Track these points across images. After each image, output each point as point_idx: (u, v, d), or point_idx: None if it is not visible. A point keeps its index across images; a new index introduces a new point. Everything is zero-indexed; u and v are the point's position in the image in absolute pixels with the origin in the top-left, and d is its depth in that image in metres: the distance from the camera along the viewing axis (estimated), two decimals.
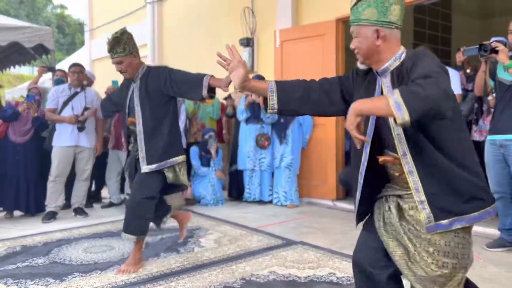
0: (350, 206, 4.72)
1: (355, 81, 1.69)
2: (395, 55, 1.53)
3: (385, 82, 1.54)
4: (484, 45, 2.95)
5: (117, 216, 4.47)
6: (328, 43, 4.93)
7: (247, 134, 4.98)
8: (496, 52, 2.92)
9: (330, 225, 3.98)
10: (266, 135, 4.93)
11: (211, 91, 2.73)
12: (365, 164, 1.55)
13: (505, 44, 2.95)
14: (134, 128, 2.94)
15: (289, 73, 5.23)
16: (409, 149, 1.44)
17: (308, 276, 2.65)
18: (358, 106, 1.32)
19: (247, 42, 5.83)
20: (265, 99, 1.79)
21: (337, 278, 2.61)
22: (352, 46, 1.59)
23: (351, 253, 3.07)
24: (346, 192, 5.07)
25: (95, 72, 10.04)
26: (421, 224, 1.45)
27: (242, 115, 4.98)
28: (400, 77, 1.49)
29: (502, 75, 3.08)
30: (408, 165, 1.44)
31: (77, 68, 4.54)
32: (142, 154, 2.87)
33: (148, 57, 7.90)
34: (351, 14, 1.55)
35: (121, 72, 2.92)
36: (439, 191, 1.42)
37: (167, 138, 2.88)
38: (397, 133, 1.46)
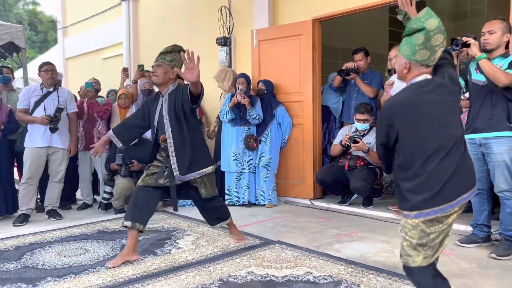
0: (327, 205, 4.77)
1: None
2: (407, 84, 2.01)
3: None
4: (455, 40, 3.07)
5: (92, 218, 4.39)
6: (304, 43, 4.96)
7: (233, 136, 4.87)
8: (468, 46, 3.03)
9: (308, 224, 4.01)
10: (253, 136, 4.86)
11: (195, 99, 2.95)
12: None
13: (474, 38, 3.06)
14: (165, 144, 3.09)
15: (266, 73, 5.24)
16: None
17: (286, 276, 2.66)
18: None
19: (224, 41, 5.80)
20: None
21: (314, 277, 2.63)
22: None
23: (328, 251, 3.13)
24: (323, 191, 5.12)
25: (68, 71, 9.85)
26: None
27: (226, 116, 4.87)
28: None
29: (475, 76, 3.16)
30: None
31: (50, 66, 4.43)
32: (174, 166, 3.05)
33: (123, 55, 7.78)
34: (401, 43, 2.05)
35: (153, 73, 3.10)
36: None
37: (195, 150, 3.07)
38: None
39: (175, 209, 3.25)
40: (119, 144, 3.28)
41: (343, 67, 4.76)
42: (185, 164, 3.05)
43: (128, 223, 2.96)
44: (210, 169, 3.14)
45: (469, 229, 3.39)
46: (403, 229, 1.89)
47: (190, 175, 3.08)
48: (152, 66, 3.14)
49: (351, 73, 4.70)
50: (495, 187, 3.08)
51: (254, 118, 4.79)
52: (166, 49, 3.09)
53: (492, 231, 3.29)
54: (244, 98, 4.69)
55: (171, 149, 3.05)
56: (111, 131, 3.33)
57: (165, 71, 3.07)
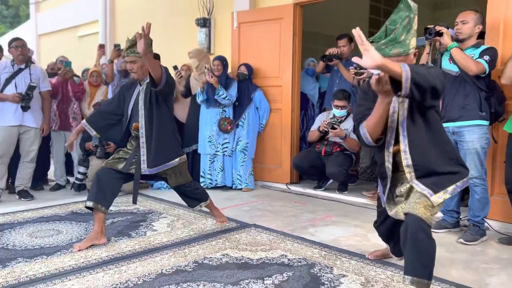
0: (303, 190, 4.82)
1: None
2: None
3: None
4: (429, 29, 3.15)
5: (65, 199, 4.31)
6: (285, 27, 4.93)
7: (207, 118, 4.85)
8: (440, 34, 3.11)
9: (283, 208, 4.05)
10: (228, 119, 4.82)
11: (154, 81, 2.87)
12: (391, 159, 2.13)
13: (447, 28, 3.13)
14: (137, 133, 3.04)
15: (246, 56, 5.19)
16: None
17: (260, 258, 2.69)
18: (383, 60, 1.73)
19: (204, 23, 5.71)
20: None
21: (288, 259, 2.67)
22: None
23: (302, 235, 3.17)
24: (299, 176, 5.17)
25: (42, 48, 9.53)
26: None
27: (198, 98, 4.85)
28: None
29: (447, 66, 3.23)
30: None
31: (19, 42, 4.28)
32: (143, 158, 3.01)
33: (99, 34, 7.57)
34: (396, 47, 2.02)
35: (130, 71, 3.03)
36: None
37: (164, 142, 3.03)
38: (403, 134, 2.08)
39: (134, 201, 3.14)
40: (93, 133, 3.20)
41: (326, 53, 4.75)
42: (154, 157, 3.01)
43: (90, 203, 2.89)
44: (177, 160, 3.10)
45: (439, 215, 3.49)
46: (439, 203, 2.04)
47: (157, 168, 3.04)
48: (125, 57, 3.04)
49: (334, 59, 4.69)
50: None
51: (223, 98, 4.72)
52: (132, 41, 2.93)
53: (461, 217, 3.40)
54: (212, 77, 4.64)
55: (142, 139, 3.02)
56: (84, 120, 3.23)
57: (140, 65, 2.98)
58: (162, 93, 2.97)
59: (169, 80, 2.93)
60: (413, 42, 2.03)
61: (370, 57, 1.68)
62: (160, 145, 3.02)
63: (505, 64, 3.08)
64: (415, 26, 2.04)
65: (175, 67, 4.99)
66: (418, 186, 2.06)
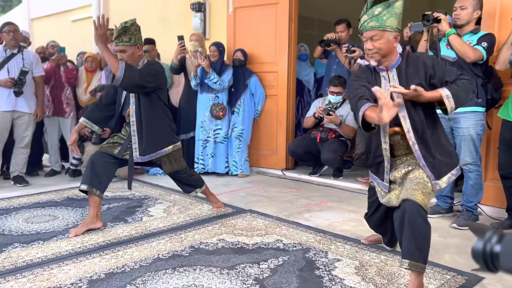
0: (298, 176, 4.84)
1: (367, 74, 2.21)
2: (398, 55, 2.13)
3: (392, 76, 2.13)
4: (426, 15, 3.14)
5: (61, 185, 4.31)
6: (281, 12, 4.88)
7: (201, 103, 4.84)
8: (438, 21, 3.09)
9: (279, 194, 4.07)
10: (221, 105, 4.80)
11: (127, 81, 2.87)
12: (387, 140, 2.14)
13: (445, 14, 3.11)
14: (129, 118, 3.04)
15: (242, 41, 5.15)
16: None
17: (256, 243, 2.71)
18: (423, 92, 1.96)
19: (199, 7, 5.64)
20: None
21: (284, 244, 2.70)
22: (371, 47, 2.06)
23: (297, 220, 3.20)
24: (294, 162, 5.18)
25: (34, 32, 9.38)
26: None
27: (192, 82, 4.82)
28: (403, 72, 2.10)
29: (445, 52, 3.22)
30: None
31: (11, 26, 4.22)
32: (135, 146, 3.01)
33: (92, 18, 7.46)
34: (373, 20, 2.03)
35: (121, 60, 2.94)
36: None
37: (155, 130, 3.01)
38: (403, 115, 2.06)
39: (129, 187, 3.14)
40: (95, 128, 3.14)
41: (324, 38, 4.72)
42: (145, 145, 3.00)
43: (84, 187, 2.87)
44: (170, 148, 3.09)
45: (434, 200, 3.52)
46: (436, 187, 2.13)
47: (149, 156, 3.04)
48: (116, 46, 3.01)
49: (331, 44, 4.67)
50: (460, 160, 3.18)
51: (214, 83, 4.67)
52: (119, 31, 2.89)
53: (454, 202, 3.44)
54: (204, 61, 4.60)
55: (133, 127, 3.01)
56: (82, 118, 3.13)
57: (131, 53, 2.93)
58: (126, 89, 2.91)
59: (130, 78, 2.79)
60: (391, 22, 2.02)
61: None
62: (151, 133, 3.00)
63: (499, 50, 3.08)
64: (398, 10, 2.04)
65: (180, 37, 4.83)
66: (425, 168, 2.10)
